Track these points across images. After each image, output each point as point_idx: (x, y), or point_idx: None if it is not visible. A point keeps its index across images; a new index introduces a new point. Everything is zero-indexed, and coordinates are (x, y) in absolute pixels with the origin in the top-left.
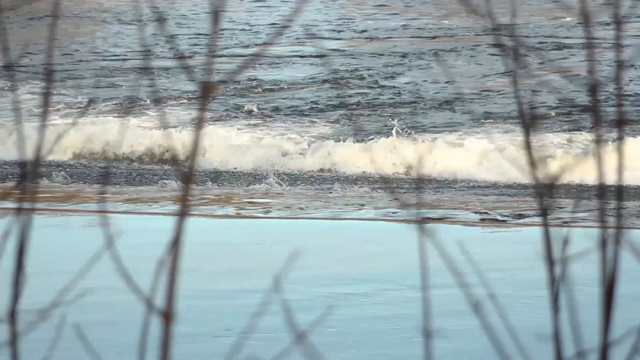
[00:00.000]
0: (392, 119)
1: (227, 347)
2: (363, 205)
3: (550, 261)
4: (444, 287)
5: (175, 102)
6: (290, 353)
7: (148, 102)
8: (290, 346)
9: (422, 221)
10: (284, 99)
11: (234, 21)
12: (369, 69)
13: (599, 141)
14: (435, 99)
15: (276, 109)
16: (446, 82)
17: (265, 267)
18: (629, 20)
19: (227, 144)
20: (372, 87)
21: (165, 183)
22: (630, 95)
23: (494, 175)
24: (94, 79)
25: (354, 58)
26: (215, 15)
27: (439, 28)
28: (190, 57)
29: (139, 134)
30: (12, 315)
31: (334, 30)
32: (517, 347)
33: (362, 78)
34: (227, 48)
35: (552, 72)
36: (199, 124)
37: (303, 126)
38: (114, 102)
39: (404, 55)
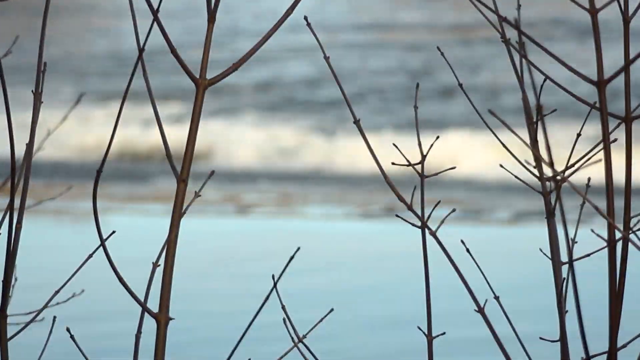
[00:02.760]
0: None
1: (226, 349)
2: (363, 203)
3: (557, 262)
4: (446, 287)
5: (170, 98)
6: (290, 354)
7: (143, 98)
8: (289, 349)
9: (424, 221)
10: (282, 95)
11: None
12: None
13: (607, 138)
14: (438, 94)
15: (276, 105)
16: (450, 77)
17: (263, 267)
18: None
19: (225, 141)
20: (371, 84)
21: (159, 182)
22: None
23: (499, 173)
24: (85, 74)
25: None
26: (211, 9)
27: (445, 22)
28: (185, 51)
29: (132, 131)
30: (2, 316)
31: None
32: (523, 350)
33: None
34: (224, 43)
35: (560, 66)
36: (193, 121)
37: (301, 123)
38: (106, 97)
39: (407, 48)
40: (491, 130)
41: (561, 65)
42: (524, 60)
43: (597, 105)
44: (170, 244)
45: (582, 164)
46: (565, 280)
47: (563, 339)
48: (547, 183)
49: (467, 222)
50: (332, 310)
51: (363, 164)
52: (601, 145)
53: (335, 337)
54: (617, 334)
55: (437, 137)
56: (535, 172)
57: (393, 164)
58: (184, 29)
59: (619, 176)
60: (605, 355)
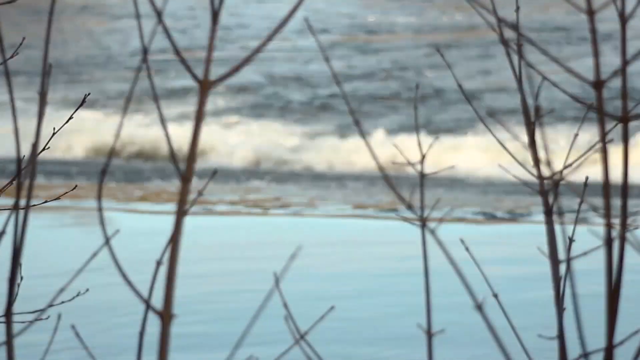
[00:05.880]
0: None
1: (227, 347)
2: (363, 203)
3: (554, 260)
4: (445, 285)
5: (173, 99)
6: (290, 353)
7: (146, 98)
8: (290, 346)
9: (424, 219)
10: (281, 95)
11: (235, 16)
12: (371, 65)
13: (604, 138)
14: (438, 95)
15: (274, 106)
16: (450, 78)
17: (264, 266)
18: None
19: (224, 141)
20: (373, 85)
21: (162, 181)
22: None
23: (498, 172)
24: (90, 75)
25: (357, 53)
26: (215, 10)
27: (443, 23)
28: (189, 52)
29: (136, 131)
30: (8, 315)
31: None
32: (522, 347)
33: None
34: (227, 44)
35: (558, 68)
36: (197, 121)
37: (300, 123)
38: (110, 98)
39: (405, 51)
40: (490, 131)
41: (559, 67)
42: (522, 61)
43: (595, 105)
44: (174, 241)
45: (580, 163)
46: (563, 278)
47: (561, 335)
48: (545, 182)
49: (466, 220)
50: (332, 308)
51: (363, 163)
52: (598, 145)
53: (335, 335)
54: (614, 331)
55: (437, 137)
56: (534, 171)
57: (393, 163)
58: (187, 30)
59: (615, 175)
60: (602, 352)
